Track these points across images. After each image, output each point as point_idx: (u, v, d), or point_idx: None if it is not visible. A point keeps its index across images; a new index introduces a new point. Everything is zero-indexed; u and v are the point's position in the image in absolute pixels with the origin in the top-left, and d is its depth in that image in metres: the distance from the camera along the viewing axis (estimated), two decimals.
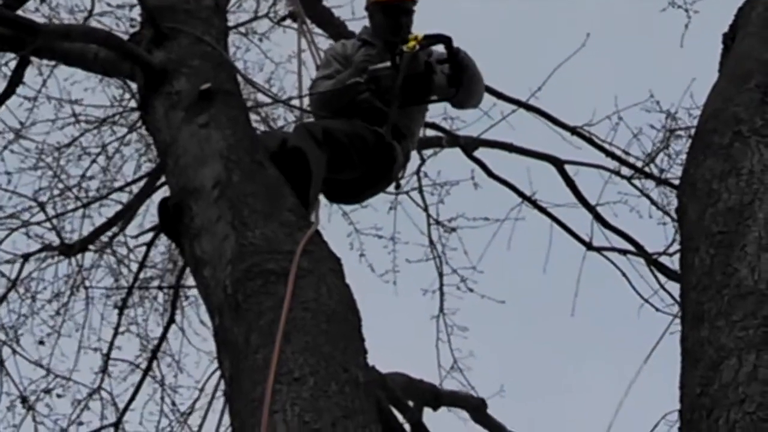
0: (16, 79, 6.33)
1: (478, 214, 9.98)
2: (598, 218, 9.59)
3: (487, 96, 9.19)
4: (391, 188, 6.01)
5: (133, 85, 6.70)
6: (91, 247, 9.94)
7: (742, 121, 3.98)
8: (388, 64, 5.54)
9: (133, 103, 9.62)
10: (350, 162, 5.43)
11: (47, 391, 9.73)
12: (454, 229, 10.11)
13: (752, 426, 3.12)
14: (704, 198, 3.83)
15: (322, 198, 5.45)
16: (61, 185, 9.98)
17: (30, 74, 8.84)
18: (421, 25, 5.83)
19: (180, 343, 10.10)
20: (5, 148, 9.73)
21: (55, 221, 9.79)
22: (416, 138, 6.12)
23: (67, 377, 9.76)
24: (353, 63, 5.81)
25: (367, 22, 6.09)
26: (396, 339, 10.48)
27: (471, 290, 9.99)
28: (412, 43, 5.52)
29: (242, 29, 10.43)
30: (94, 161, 10.09)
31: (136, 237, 10.08)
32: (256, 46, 10.56)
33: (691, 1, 9.83)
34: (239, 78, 5.51)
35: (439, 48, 5.65)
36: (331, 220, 9.86)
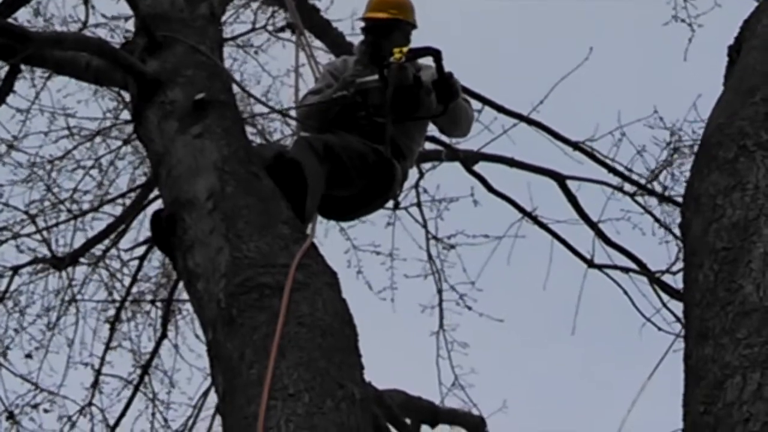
0: (6, 88, 6.28)
1: (477, 230, 9.95)
2: (600, 235, 9.55)
3: (487, 109, 9.20)
4: (390, 205, 5.96)
5: (127, 96, 6.66)
6: (82, 260, 9.87)
7: (747, 135, 3.92)
8: (376, 77, 5.51)
9: (127, 115, 9.59)
10: (349, 179, 5.39)
11: (34, 406, 9.65)
12: (453, 246, 10.06)
13: None
14: (708, 213, 3.77)
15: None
16: (53, 198, 9.94)
17: (23, 86, 8.82)
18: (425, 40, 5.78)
19: (174, 359, 10.06)
20: None
21: (46, 234, 9.73)
22: (415, 157, 6.09)
23: (55, 392, 9.71)
24: (341, 77, 5.79)
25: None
26: (396, 356, 10.43)
27: (469, 308, 9.95)
28: (398, 55, 5.48)
29: (239, 41, 10.40)
30: (87, 174, 10.06)
31: (128, 250, 10.03)
32: (253, 58, 10.55)
33: (694, 15, 9.84)
34: (235, 88, 5.46)
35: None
36: (329, 236, 9.82)
